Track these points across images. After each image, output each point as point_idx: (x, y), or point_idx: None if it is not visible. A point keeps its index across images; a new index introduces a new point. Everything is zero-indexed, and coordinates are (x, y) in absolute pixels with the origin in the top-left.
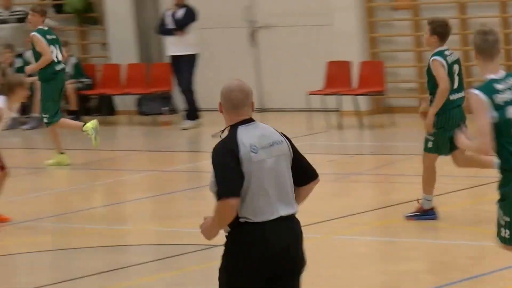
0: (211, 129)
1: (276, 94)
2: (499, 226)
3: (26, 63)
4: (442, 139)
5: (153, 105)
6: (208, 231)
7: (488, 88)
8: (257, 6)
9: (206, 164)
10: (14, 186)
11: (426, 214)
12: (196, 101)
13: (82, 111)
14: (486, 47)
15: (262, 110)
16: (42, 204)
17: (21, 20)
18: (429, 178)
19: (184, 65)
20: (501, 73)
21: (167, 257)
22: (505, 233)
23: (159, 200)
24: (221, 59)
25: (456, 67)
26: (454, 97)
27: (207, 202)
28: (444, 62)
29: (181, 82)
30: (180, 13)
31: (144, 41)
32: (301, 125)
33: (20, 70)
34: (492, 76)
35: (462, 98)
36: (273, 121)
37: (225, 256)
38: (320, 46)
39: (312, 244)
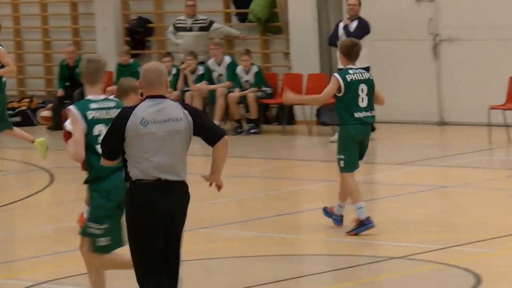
0: (388, 142)
1: (457, 107)
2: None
3: (208, 71)
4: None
5: (333, 115)
6: None
7: (83, 106)
8: (441, 19)
9: (382, 176)
10: (192, 193)
11: None
12: None
13: (262, 120)
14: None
15: (442, 123)
16: (220, 211)
17: (204, 28)
18: None
19: None
20: (100, 96)
21: (341, 268)
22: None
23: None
24: (402, 71)
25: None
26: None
27: (380, 214)
28: None
29: None
30: (353, 25)
31: (325, 51)
32: (481, 139)
33: (201, 77)
34: (90, 97)
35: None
36: (453, 134)
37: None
38: (503, 60)
39: (495, 258)
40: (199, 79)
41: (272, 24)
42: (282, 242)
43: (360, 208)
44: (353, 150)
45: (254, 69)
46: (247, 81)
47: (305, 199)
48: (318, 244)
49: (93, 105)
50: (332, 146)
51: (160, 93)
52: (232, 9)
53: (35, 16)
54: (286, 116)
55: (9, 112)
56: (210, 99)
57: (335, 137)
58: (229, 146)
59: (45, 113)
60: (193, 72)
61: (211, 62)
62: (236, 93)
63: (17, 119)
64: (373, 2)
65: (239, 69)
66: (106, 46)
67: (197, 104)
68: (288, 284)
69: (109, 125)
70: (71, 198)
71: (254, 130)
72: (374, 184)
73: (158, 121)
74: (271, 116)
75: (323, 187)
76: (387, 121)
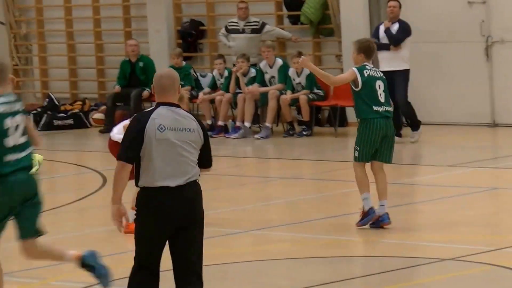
0: (439, 144)
1: (509, 109)
2: None
3: (260, 73)
4: None
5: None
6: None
7: None
8: (493, 21)
9: (434, 178)
10: (244, 195)
11: None
12: (415, 112)
13: (314, 122)
14: None
15: (494, 125)
16: (272, 213)
17: (256, 31)
18: None
19: (399, 80)
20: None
21: (391, 270)
22: None
23: (389, 211)
24: (454, 73)
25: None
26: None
27: (431, 215)
28: None
29: (398, 97)
30: (395, 27)
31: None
32: None
33: (254, 80)
34: None
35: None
36: (505, 136)
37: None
38: None
39: None
40: (251, 81)
41: (324, 26)
42: (333, 244)
43: (365, 199)
44: (370, 143)
45: (306, 71)
46: (299, 83)
47: (356, 201)
48: (369, 246)
49: (1, 99)
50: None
51: (173, 99)
52: (284, 11)
53: (88, 19)
54: (338, 118)
55: (62, 114)
56: (262, 101)
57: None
58: (281, 148)
59: (98, 115)
60: (245, 74)
61: (263, 64)
62: (288, 95)
63: (70, 121)
64: (424, 4)
65: (291, 71)
66: (159, 48)
67: (249, 106)
68: (339, 285)
69: (127, 130)
70: (123, 200)
71: (306, 132)
72: (425, 186)
73: (174, 128)
74: (323, 118)
75: (375, 189)
76: (439, 123)
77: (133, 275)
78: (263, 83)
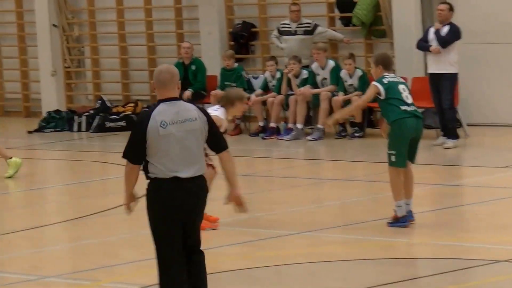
0: (492, 145)
1: None
2: None
3: (312, 75)
4: None
5: (436, 118)
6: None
7: None
8: None
9: (487, 179)
10: (297, 196)
11: None
12: (456, 120)
13: (366, 124)
14: None
15: None
16: (324, 215)
17: (308, 32)
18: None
19: (445, 84)
20: None
21: (446, 272)
22: None
23: (442, 213)
24: (508, 74)
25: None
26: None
27: (485, 217)
28: None
29: (443, 101)
30: (445, 30)
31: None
32: None
33: (305, 81)
34: None
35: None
36: None
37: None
38: None
39: None
40: (303, 83)
41: (376, 28)
42: (386, 246)
43: (399, 206)
44: (404, 146)
45: (358, 73)
46: (351, 85)
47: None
48: (423, 248)
49: None
50: (435, 149)
51: (173, 94)
52: (336, 13)
53: (140, 21)
54: None
55: (114, 116)
56: (314, 103)
57: (439, 140)
58: (333, 149)
59: None
60: (297, 76)
61: (315, 66)
62: (340, 97)
63: (122, 123)
64: (475, 4)
65: (343, 73)
66: (210, 50)
67: (301, 108)
68: None
69: (132, 131)
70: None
71: (358, 134)
72: (478, 187)
73: (176, 122)
74: (376, 119)
75: (427, 191)
76: (492, 124)
77: (163, 275)
78: (315, 85)
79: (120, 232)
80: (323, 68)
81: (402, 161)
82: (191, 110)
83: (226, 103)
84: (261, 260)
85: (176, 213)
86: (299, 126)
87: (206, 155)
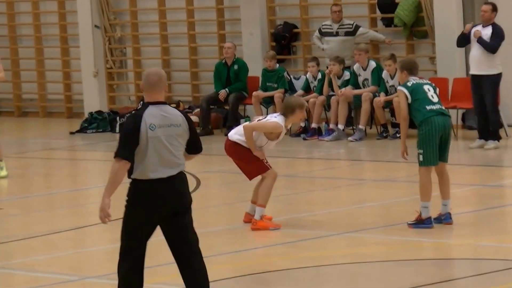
0: None
1: None
2: None
3: (354, 75)
4: None
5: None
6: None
7: None
8: None
9: None
10: (338, 197)
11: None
12: (500, 121)
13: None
14: None
15: None
16: (366, 216)
17: (350, 33)
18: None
19: (487, 85)
20: None
21: (486, 273)
22: None
23: (483, 214)
24: None
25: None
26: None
27: None
28: None
29: (486, 103)
30: (487, 31)
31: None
32: None
33: (347, 82)
34: None
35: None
36: None
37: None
38: None
39: None
40: (345, 84)
41: (418, 29)
42: (428, 247)
43: (425, 207)
44: (432, 145)
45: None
46: (392, 85)
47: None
48: (465, 249)
49: None
50: (476, 151)
51: (160, 97)
52: (378, 14)
53: (182, 22)
54: None
55: None
56: (355, 103)
57: (476, 143)
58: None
59: (192, 118)
60: (338, 77)
61: (356, 67)
62: (382, 98)
63: None
64: None
65: (385, 74)
66: (252, 51)
67: (343, 108)
68: None
69: (123, 130)
70: (217, 202)
71: (399, 135)
72: None
73: (163, 125)
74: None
75: (469, 191)
76: None
77: (120, 267)
78: (356, 86)
79: (160, 233)
80: (364, 69)
81: (429, 160)
82: (176, 115)
83: (286, 110)
84: (303, 261)
85: (158, 212)
86: (340, 126)
87: (265, 160)
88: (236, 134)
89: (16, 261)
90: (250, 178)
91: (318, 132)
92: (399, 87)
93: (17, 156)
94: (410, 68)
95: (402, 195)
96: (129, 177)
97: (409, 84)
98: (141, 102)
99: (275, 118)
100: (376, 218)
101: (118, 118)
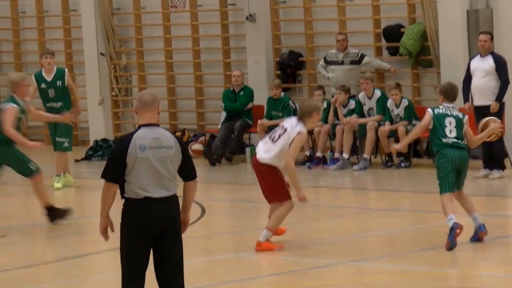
0: None
1: None
2: None
3: (359, 104)
4: None
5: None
6: None
7: None
8: None
9: None
10: (343, 226)
11: None
12: (504, 151)
13: (412, 154)
14: None
15: None
16: (371, 245)
17: (355, 62)
18: None
19: (492, 115)
20: None
21: None
22: None
23: (487, 243)
24: None
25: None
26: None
27: None
28: None
29: None
30: (489, 61)
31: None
32: None
33: (352, 111)
34: None
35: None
36: None
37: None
38: None
39: None
40: (350, 112)
41: (423, 58)
42: (434, 276)
43: (450, 219)
44: (446, 176)
45: (405, 102)
46: (397, 114)
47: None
48: (473, 279)
49: None
50: (481, 181)
51: (153, 118)
52: (383, 43)
53: (187, 50)
54: None
55: None
56: (360, 132)
57: (481, 173)
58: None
59: (197, 146)
60: (344, 105)
61: (361, 96)
62: (387, 127)
63: None
64: None
65: (390, 103)
66: (258, 79)
67: (348, 137)
68: None
69: (111, 152)
70: (223, 230)
71: (404, 164)
72: None
73: (153, 147)
74: (422, 149)
75: (471, 221)
76: None
77: None
78: (361, 114)
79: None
80: (369, 98)
81: (445, 188)
82: (168, 137)
83: (303, 115)
84: None
85: (147, 232)
86: (345, 155)
87: (287, 185)
88: (266, 153)
89: None
90: (270, 201)
91: (323, 161)
92: (428, 109)
93: (22, 184)
94: (446, 94)
95: (406, 224)
96: (122, 197)
97: (435, 111)
98: None
99: (296, 128)
100: (381, 247)
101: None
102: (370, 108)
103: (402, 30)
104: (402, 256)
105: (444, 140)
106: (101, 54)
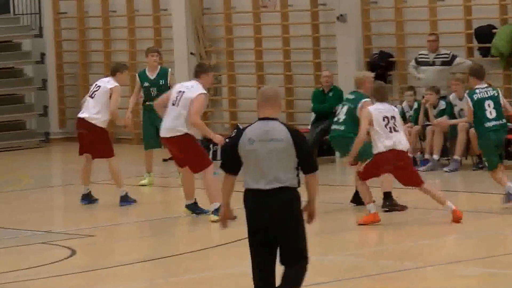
0: None
1: None
2: None
3: (450, 105)
4: None
5: None
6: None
7: None
8: None
9: None
10: (433, 228)
11: None
12: None
13: (504, 155)
14: None
15: None
16: (464, 247)
17: (446, 63)
18: None
19: None
20: None
21: None
22: None
23: None
24: None
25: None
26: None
27: None
28: None
29: None
30: None
31: None
32: None
33: (443, 112)
34: None
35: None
36: None
37: None
38: None
39: None
40: (440, 113)
41: None
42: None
43: (510, 187)
44: (492, 154)
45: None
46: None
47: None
48: None
49: None
50: None
51: (272, 112)
52: (475, 44)
53: (277, 50)
54: None
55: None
56: (451, 134)
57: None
58: (470, 181)
59: None
60: (434, 106)
61: (452, 97)
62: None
63: None
64: None
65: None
66: (347, 80)
67: (438, 139)
68: None
69: (225, 144)
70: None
71: None
72: None
73: (262, 140)
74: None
75: None
76: None
77: (254, 276)
78: (452, 116)
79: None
80: (460, 99)
81: (492, 165)
82: (281, 130)
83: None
84: None
85: (258, 221)
86: (435, 157)
87: None
88: None
89: None
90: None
91: (413, 162)
92: (466, 96)
93: (105, 183)
94: (478, 74)
95: (500, 227)
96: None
97: (474, 97)
98: (235, 130)
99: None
100: (474, 250)
101: (211, 145)
102: (461, 110)
103: (493, 31)
104: (493, 259)
105: (485, 125)
106: (191, 53)
